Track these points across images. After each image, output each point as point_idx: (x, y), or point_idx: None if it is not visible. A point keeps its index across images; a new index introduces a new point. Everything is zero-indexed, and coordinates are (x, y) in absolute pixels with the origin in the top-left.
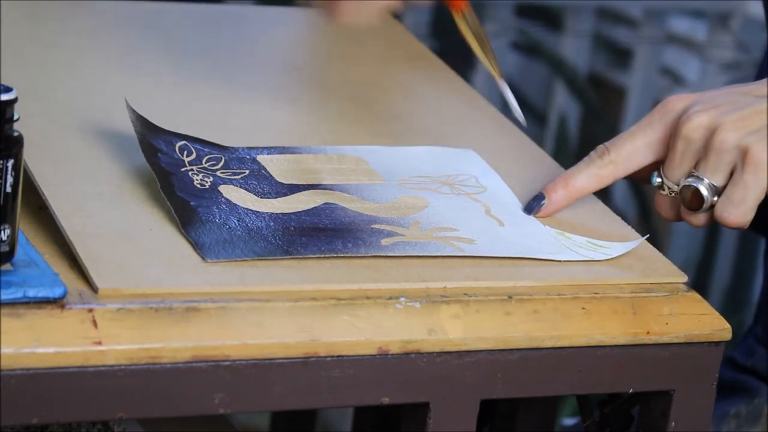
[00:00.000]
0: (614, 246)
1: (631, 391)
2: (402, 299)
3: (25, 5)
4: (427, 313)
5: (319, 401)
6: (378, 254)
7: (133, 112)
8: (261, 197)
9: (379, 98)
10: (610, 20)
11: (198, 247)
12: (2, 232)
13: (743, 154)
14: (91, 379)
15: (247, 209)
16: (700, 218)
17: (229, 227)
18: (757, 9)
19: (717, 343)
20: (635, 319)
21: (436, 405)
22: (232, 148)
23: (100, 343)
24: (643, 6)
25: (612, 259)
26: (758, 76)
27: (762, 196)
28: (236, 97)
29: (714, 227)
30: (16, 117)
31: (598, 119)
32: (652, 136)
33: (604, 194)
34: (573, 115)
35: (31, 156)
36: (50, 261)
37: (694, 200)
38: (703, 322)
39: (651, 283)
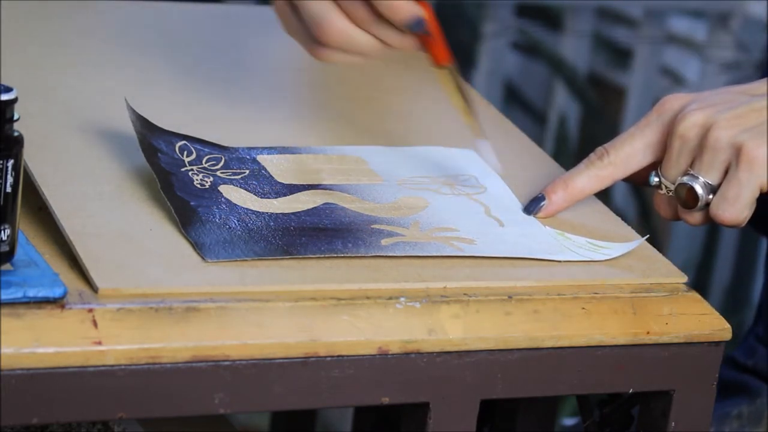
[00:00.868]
0: (614, 246)
1: (631, 391)
2: (402, 299)
3: (25, 5)
4: (427, 313)
5: (319, 401)
6: (378, 254)
7: (133, 112)
8: (261, 197)
9: (379, 98)
10: (610, 20)
11: (198, 247)
12: (2, 232)
13: (737, 152)
14: (91, 379)
15: (247, 209)
16: (696, 217)
17: (229, 227)
18: (757, 9)
19: (717, 343)
20: (635, 319)
21: (436, 405)
22: (232, 148)
23: (100, 343)
24: (643, 6)
25: (612, 259)
26: (763, 76)
27: (757, 193)
28: (236, 97)
29: (714, 227)
30: (16, 117)
31: (598, 119)
32: (651, 137)
33: (604, 195)
34: (573, 115)
35: (31, 156)
36: (50, 261)
37: (690, 198)
38: (703, 322)
39: (651, 283)
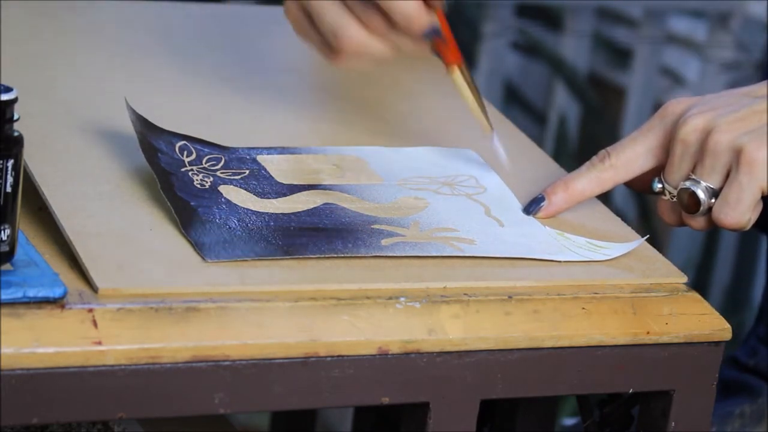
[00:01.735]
0: (614, 247)
1: (631, 391)
2: (402, 299)
3: (25, 5)
4: (427, 313)
5: (319, 401)
6: (378, 254)
7: (133, 112)
8: (261, 197)
9: (379, 98)
10: (610, 20)
11: (198, 247)
12: (2, 232)
13: (737, 155)
14: (91, 379)
15: (247, 209)
16: (699, 221)
17: (229, 227)
18: (757, 9)
19: (717, 343)
20: (635, 319)
21: (436, 405)
22: (232, 148)
23: (100, 343)
24: (643, 6)
25: (612, 259)
26: (763, 76)
27: (758, 196)
28: (236, 97)
29: (713, 228)
30: (16, 117)
31: (598, 119)
32: (653, 141)
33: (604, 195)
34: (573, 115)
35: (31, 156)
36: (50, 261)
37: (692, 203)
38: (703, 322)
39: (651, 283)
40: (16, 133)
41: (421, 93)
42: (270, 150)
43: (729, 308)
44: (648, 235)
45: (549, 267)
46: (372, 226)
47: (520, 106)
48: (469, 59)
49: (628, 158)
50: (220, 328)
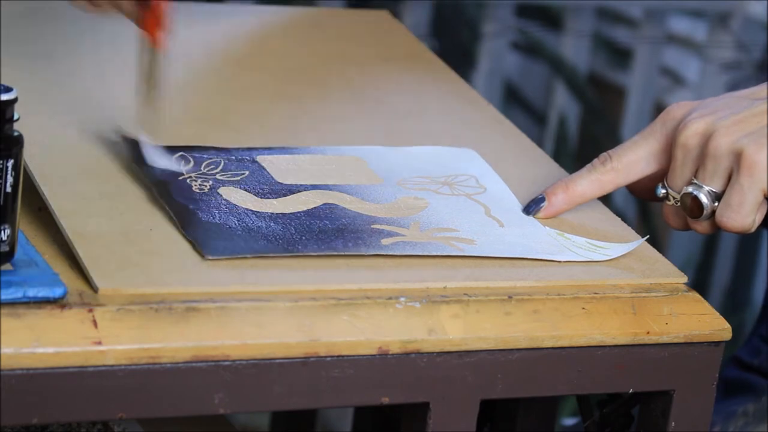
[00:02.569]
0: (614, 247)
1: (631, 391)
2: (402, 299)
3: (25, 5)
4: (427, 313)
5: (319, 401)
6: (378, 254)
7: (126, 140)
8: (261, 198)
9: (379, 98)
10: (610, 20)
11: (198, 244)
12: (2, 232)
13: (738, 158)
14: (91, 379)
15: (247, 209)
16: (704, 225)
17: (229, 227)
18: (757, 9)
19: (717, 343)
20: (635, 319)
21: (436, 405)
22: (231, 149)
23: (100, 343)
24: (643, 6)
25: (612, 259)
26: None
27: (760, 198)
28: (236, 97)
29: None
30: (16, 117)
31: (598, 119)
32: (654, 146)
33: (604, 196)
34: (573, 115)
35: (31, 156)
36: (50, 261)
37: (695, 208)
38: (703, 322)
39: (651, 283)
40: (16, 133)
41: (421, 93)
42: (270, 150)
43: (729, 308)
44: (648, 235)
45: (549, 267)
46: (372, 226)
47: (520, 106)
48: (469, 59)
49: (629, 161)
50: (220, 328)
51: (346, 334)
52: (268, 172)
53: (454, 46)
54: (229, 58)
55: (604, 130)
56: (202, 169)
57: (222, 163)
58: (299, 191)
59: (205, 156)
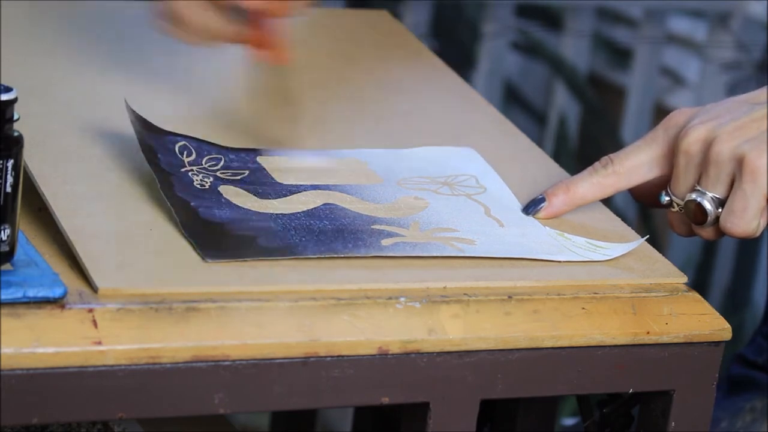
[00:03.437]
0: (614, 247)
1: (631, 391)
2: (402, 299)
3: (25, 5)
4: (427, 313)
5: (319, 401)
6: (378, 254)
7: (133, 112)
8: (261, 198)
9: (379, 98)
10: (610, 20)
11: (198, 247)
12: (2, 232)
13: (739, 164)
14: (90, 379)
15: (247, 210)
16: (709, 231)
17: (229, 227)
18: (757, 9)
19: (717, 343)
20: (635, 319)
21: (436, 405)
22: (232, 148)
23: (100, 343)
24: (643, 6)
25: (612, 259)
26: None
27: (763, 203)
28: (236, 97)
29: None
30: (16, 117)
31: (598, 119)
32: (656, 151)
33: None
34: (573, 115)
35: (31, 156)
36: (50, 261)
37: (699, 214)
38: (703, 322)
39: (651, 283)
40: (16, 133)
41: (421, 93)
42: (270, 150)
43: (729, 308)
44: (648, 235)
45: (549, 267)
46: (372, 227)
47: (520, 106)
48: (469, 59)
49: (631, 166)
50: (220, 328)
51: (346, 334)
52: (268, 172)
53: (454, 46)
54: (229, 58)
55: (604, 130)
56: (203, 163)
57: (222, 161)
58: (299, 191)
59: (206, 150)
